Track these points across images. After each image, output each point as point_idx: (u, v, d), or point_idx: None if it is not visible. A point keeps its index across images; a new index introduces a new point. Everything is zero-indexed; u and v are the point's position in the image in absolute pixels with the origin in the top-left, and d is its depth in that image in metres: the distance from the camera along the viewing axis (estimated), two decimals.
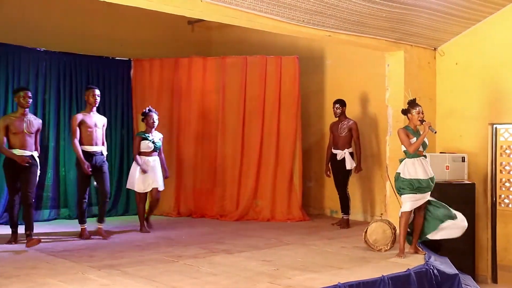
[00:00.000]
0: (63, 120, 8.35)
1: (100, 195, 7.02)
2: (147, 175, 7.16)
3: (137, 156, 7.20)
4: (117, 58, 9.09)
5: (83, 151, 6.70)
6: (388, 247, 6.05)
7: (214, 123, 8.78)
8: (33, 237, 6.19)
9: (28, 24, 8.19)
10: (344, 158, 7.63)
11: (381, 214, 7.91)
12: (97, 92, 6.82)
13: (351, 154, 7.68)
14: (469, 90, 7.27)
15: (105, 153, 6.93)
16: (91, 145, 6.74)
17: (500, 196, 7.09)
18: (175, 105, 8.94)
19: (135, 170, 7.21)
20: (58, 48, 8.41)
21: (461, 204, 6.59)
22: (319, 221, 8.34)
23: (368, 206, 8.42)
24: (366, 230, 6.18)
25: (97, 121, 6.88)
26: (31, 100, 6.38)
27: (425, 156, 5.82)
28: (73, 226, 7.69)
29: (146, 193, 7.29)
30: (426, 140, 5.78)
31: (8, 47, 7.83)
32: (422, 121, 5.74)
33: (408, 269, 5.16)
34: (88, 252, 5.88)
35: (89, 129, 6.72)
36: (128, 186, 7.41)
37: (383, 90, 7.42)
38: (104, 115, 8.73)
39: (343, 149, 7.67)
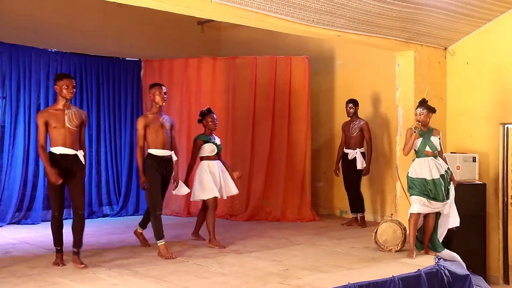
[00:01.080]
0: None
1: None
2: (216, 180, 6.31)
3: (204, 162, 6.32)
4: (127, 59, 9.14)
5: (151, 155, 5.80)
6: (399, 248, 6.02)
7: (224, 122, 8.77)
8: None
9: (39, 25, 8.24)
10: (355, 158, 7.63)
11: (391, 214, 7.88)
12: (165, 89, 5.95)
13: (362, 154, 7.67)
14: (480, 90, 7.23)
15: (174, 158, 5.96)
16: (159, 148, 5.81)
17: (511, 196, 7.04)
18: (185, 105, 8.96)
19: (203, 177, 6.22)
20: (68, 49, 8.47)
21: (472, 204, 6.56)
22: (328, 221, 8.32)
23: (378, 207, 8.39)
24: (376, 231, 6.16)
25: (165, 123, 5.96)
26: (74, 91, 5.32)
27: (435, 156, 5.77)
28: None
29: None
30: (434, 141, 5.73)
31: (20, 48, 7.89)
32: (417, 121, 5.76)
33: (419, 269, 5.14)
34: (99, 252, 5.91)
35: (157, 131, 5.82)
36: (201, 197, 6.25)
37: (393, 90, 7.40)
38: (114, 116, 8.88)
39: (354, 149, 7.67)
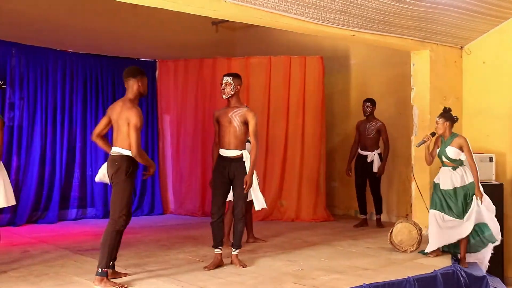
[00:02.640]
0: (90, 121, 8.47)
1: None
2: None
3: None
4: (142, 59, 9.19)
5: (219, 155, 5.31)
6: (414, 248, 5.99)
7: None
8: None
9: (55, 27, 8.32)
10: (373, 161, 7.60)
11: (407, 214, 7.84)
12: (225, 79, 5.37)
13: (379, 155, 7.65)
14: (496, 89, 7.15)
15: (245, 156, 5.23)
16: (223, 147, 5.27)
17: None
18: (200, 106, 8.99)
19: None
20: (84, 50, 8.55)
21: None
22: (343, 221, 8.30)
23: (393, 207, 8.34)
24: (392, 231, 6.13)
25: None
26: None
27: (453, 167, 5.68)
28: (99, 225, 7.81)
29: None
30: (449, 151, 5.65)
31: (37, 49, 7.98)
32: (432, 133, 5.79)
33: (435, 270, 5.11)
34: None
35: (223, 127, 5.26)
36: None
37: (408, 89, 7.35)
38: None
39: (372, 151, 7.63)
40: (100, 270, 4.48)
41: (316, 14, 5.76)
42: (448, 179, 5.66)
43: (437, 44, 7.12)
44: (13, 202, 5.04)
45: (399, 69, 7.99)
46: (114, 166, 4.57)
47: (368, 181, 7.78)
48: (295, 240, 6.72)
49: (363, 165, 7.70)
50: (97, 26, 8.72)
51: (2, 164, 5.04)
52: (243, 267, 5.21)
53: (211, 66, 8.97)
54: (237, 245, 5.31)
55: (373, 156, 7.61)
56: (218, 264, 5.20)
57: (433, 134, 5.77)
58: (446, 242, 5.73)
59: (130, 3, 5.02)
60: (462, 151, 5.66)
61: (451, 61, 7.34)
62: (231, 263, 5.29)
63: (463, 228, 5.63)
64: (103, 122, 4.81)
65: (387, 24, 6.34)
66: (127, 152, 4.54)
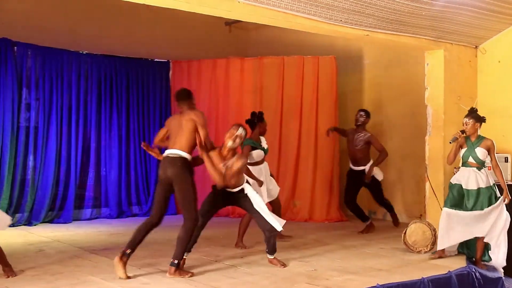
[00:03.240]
0: (104, 121, 8.55)
1: None
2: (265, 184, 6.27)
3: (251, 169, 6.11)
4: (156, 60, 9.25)
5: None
6: (428, 249, 5.96)
7: None
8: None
9: (70, 28, 8.40)
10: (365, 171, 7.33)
11: (420, 215, 7.79)
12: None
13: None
14: None
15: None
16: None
17: None
18: (213, 106, 9.01)
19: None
20: (99, 51, 8.62)
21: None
22: (357, 222, 8.25)
23: (407, 207, 8.29)
24: (405, 231, 6.10)
25: None
26: None
27: (478, 168, 5.64)
28: (114, 225, 7.88)
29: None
30: (478, 153, 5.61)
31: (52, 51, 8.07)
32: (462, 131, 5.68)
33: (449, 271, 5.07)
34: None
35: None
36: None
37: (422, 89, 7.30)
38: (143, 116, 8.99)
39: (365, 165, 7.31)
40: (176, 261, 4.86)
41: (329, 14, 5.75)
42: (473, 179, 5.60)
43: (452, 43, 7.06)
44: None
45: (413, 69, 7.94)
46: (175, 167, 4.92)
47: (370, 192, 7.60)
48: (308, 240, 6.72)
49: (357, 178, 7.41)
50: (111, 27, 8.79)
51: None
52: (284, 267, 5.31)
53: (224, 66, 9.00)
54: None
55: (367, 169, 7.31)
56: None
57: (463, 132, 5.68)
58: (457, 241, 5.67)
59: (143, 4, 5.05)
60: (488, 153, 5.63)
61: (466, 60, 7.28)
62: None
63: (479, 228, 5.58)
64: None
65: (401, 24, 6.31)
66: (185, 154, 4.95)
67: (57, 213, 8.01)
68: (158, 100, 9.15)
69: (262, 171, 6.32)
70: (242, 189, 5.33)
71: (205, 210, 5.35)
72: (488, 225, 5.57)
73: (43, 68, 7.98)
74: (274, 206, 6.59)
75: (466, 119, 5.71)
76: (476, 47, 7.38)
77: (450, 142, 5.70)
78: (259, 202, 5.33)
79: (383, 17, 6.08)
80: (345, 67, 8.83)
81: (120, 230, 7.44)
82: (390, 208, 7.74)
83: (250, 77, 8.87)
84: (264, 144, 6.48)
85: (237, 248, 6.21)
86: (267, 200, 6.20)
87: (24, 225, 7.58)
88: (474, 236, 5.63)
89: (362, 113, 7.44)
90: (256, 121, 6.41)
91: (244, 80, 8.93)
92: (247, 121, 6.41)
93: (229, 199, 5.41)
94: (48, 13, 8.25)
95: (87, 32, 8.54)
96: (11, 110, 7.60)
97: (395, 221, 7.70)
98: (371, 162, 7.39)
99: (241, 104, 8.91)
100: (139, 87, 8.96)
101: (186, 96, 5.17)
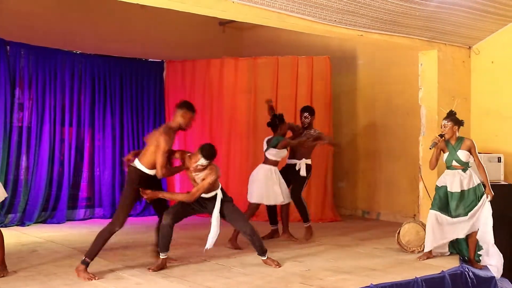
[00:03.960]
0: (98, 121, 8.52)
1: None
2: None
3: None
4: (150, 60, 9.23)
5: None
6: (422, 249, 5.96)
7: (245, 123, 8.80)
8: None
9: (63, 27, 8.37)
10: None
11: (414, 215, 7.81)
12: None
13: (307, 165, 6.79)
14: (505, 89, 7.12)
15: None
16: None
17: None
18: (207, 106, 9.00)
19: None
20: (93, 50, 8.58)
21: (497, 205, 6.44)
22: (350, 222, 8.29)
23: (401, 207, 8.32)
24: (399, 231, 6.11)
25: None
26: None
27: (463, 169, 5.64)
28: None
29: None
30: (461, 155, 5.60)
31: (45, 50, 8.03)
32: (440, 135, 5.66)
33: (443, 271, 5.09)
34: (122, 251, 5.97)
35: None
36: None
37: (416, 90, 7.33)
38: (137, 117, 8.97)
39: (300, 159, 6.77)
40: (88, 260, 4.88)
41: (323, 14, 5.76)
42: (458, 181, 5.62)
43: (445, 44, 7.09)
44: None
45: (407, 69, 7.96)
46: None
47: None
48: (302, 240, 6.71)
49: (291, 173, 6.79)
50: (105, 27, 8.76)
51: None
52: (278, 266, 5.31)
53: (219, 66, 8.99)
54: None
55: (300, 164, 6.77)
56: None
57: (441, 135, 5.69)
58: (444, 240, 5.69)
59: (138, 4, 5.04)
60: (470, 154, 5.64)
61: (459, 61, 7.31)
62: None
63: (465, 228, 5.60)
64: None
65: (395, 24, 6.33)
66: (142, 168, 5.02)
67: (50, 214, 7.98)
68: (152, 100, 9.12)
69: (277, 171, 6.50)
70: (215, 196, 5.30)
71: (176, 209, 5.28)
72: (471, 222, 5.60)
73: (36, 68, 7.94)
74: (283, 209, 6.71)
75: (445, 122, 5.69)
76: (470, 47, 7.41)
77: (430, 148, 5.70)
78: (217, 215, 5.31)
79: (377, 18, 6.09)
80: (339, 68, 8.85)
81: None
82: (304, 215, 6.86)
83: (244, 77, 8.86)
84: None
85: (228, 247, 6.20)
86: (286, 200, 6.48)
87: (17, 225, 7.54)
88: (460, 236, 5.66)
89: (305, 113, 6.90)
90: (278, 123, 6.55)
91: (238, 80, 8.92)
92: (269, 124, 6.61)
93: (201, 204, 5.36)
94: (42, 12, 8.21)
95: (81, 31, 8.51)
96: (4, 110, 7.56)
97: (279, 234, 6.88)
98: (309, 161, 6.85)
99: (235, 104, 8.90)
100: (133, 87, 8.93)
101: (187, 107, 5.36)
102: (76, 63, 8.38)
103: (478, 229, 5.65)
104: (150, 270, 5.06)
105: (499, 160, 6.84)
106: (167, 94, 9.24)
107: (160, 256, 5.18)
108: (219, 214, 5.31)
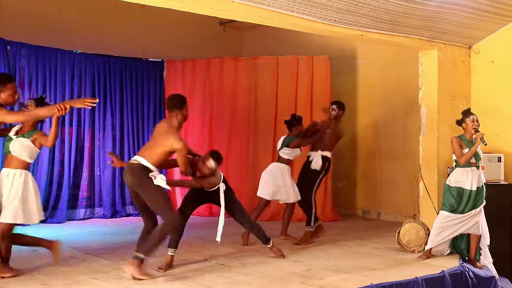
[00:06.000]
0: (98, 121, 8.52)
1: None
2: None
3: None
4: (150, 60, 9.23)
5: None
6: (422, 248, 5.97)
7: (246, 123, 8.81)
8: None
9: (64, 27, 8.37)
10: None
11: (414, 214, 7.82)
12: None
13: (323, 157, 6.68)
14: (505, 89, 7.12)
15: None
16: None
17: None
18: (207, 105, 9.00)
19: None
20: (93, 50, 8.58)
21: (497, 205, 6.46)
22: (350, 221, 8.29)
23: (401, 207, 8.32)
24: (399, 231, 6.11)
25: None
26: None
27: (477, 167, 5.65)
28: (107, 225, 7.86)
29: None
30: (480, 151, 5.63)
31: (46, 50, 8.04)
32: (476, 130, 5.61)
33: (443, 270, 5.09)
34: (122, 251, 5.97)
35: None
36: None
37: (416, 89, 7.33)
38: (137, 116, 8.97)
39: (316, 150, 6.69)
40: (142, 256, 4.71)
41: (323, 14, 5.75)
42: (475, 179, 5.60)
43: (445, 43, 7.09)
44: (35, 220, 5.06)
45: (407, 69, 7.96)
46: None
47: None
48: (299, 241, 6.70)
49: (306, 164, 6.78)
50: (105, 26, 8.76)
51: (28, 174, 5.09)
52: (283, 257, 5.55)
53: (219, 66, 8.99)
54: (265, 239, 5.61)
55: (314, 155, 6.69)
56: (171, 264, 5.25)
57: (476, 130, 5.64)
58: (446, 238, 5.69)
59: (138, 4, 5.04)
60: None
61: (459, 60, 7.31)
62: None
63: (468, 226, 5.63)
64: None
65: (395, 24, 6.33)
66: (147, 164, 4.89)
67: (50, 213, 7.97)
68: (152, 100, 9.13)
69: (289, 170, 6.61)
70: (218, 189, 5.41)
71: (186, 204, 5.44)
72: (479, 224, 5.62)
73: (36, 68, 7.93)
74: (287, 209, 6.78)
75: (475, 117, 5.70)
76: (470, 47, 7.41)
77: (485, 144, 5.57)
78: (223, 206, 5.42)
79: (377, 17, 6.09)
80: (339, 67, 8.85)
81: (114, 230, 7.44)
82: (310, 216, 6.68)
83: (245, 77, 8.87)
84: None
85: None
86: (294, 199, 6.58)
87: (18, 225, 7.51)
88: (461, 232, 5.68)
89: (334, 106, 6.86)
90: (294, 122, 6.63)
91: (238, 80, 8.93)
92: (286, 122, 6.71)
93: (206, 195, 5.46)
94: (42, 12, 8.21)
95: (81, 31, 8.51)
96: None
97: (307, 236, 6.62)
98: (326, 153, 6.76)
99: (235, 104, 8.91)
100: (133, 87, 8.93)
101: (178, 105, 5.09)
102: (76, 62, 8.38)
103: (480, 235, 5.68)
104: (161, 270, 5.05)
105: (499, 160, 6.84)
106: (167, 94, 9.22)
107: (168, 253, 5.23)
108: (224, 205, 5.41)
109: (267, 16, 5.44)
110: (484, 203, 5.69)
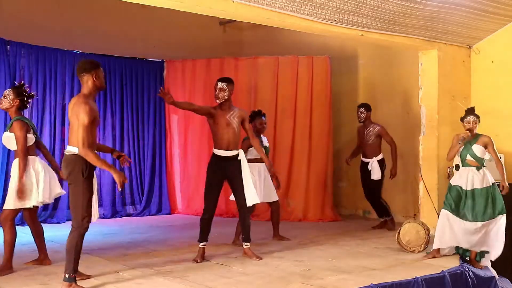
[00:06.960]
0: None
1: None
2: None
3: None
4: (150, 59, 9.23)
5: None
6: (422, 248, 5.97)
7: None
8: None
9: (63, 27, 8.37)
10: (372, 169, 7.33)
11: (414, 214, 7.82)
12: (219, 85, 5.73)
13: (379, 162, 7.34)
14: (505, 89, 7.12)
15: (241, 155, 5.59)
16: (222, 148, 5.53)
17: None
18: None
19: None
20: (93, 50, 8.59)
21: None
22: (351, 221, 8.29)
23: (401, 207, 8.32)
24: (399, 231, 6.11)
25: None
26: None
27: (477, 168, 5.63)
28: (107, 225, 7.86)
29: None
30: (475, 150, 5.61)
31: (46, 50, 8.05)
32: (469, 130, 5.62)
33: (443, 270, 5.09)
34: (123, 251, 5.98)
35: (221, 129, 5.54)
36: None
37: (416, 89, 7.33)
38: (137, 116, 8.98)
39: (371, 157, 7.35)
40: (68, 276, 4.37)
41: (324, 13, 5.75)
42: (470, 179, 5.60)
43: (445, 43, 7.09)
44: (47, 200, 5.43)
45: (407, 69, 7.96)
46: (68, 166, 4.34)
47: (367, 187, 7.54)
48: (302, 240, 6.72)
49: (365, 172, 7.44)
50: (105, 27, 8.77)
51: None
52: (259, 259, 5.51)
53: (219, 66, 8.99)
54: (247, 238, 5.64)
55: (371, 164, 7.32)
56: (204, 255, 5.51)
57: (470, 130, 5.65)
58: (453, 244, 5.67)
59: (138, 4, 5.04)
60: (487, 150, 5.64)
61: (459, 60, 7.31)
62: (244, 255, 5.62)
63: (475, 240, 5.56)
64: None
65: (395, 24, 6.33)
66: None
67: (50, 213, 7.98)
68: (152, 99, 9.13)
69: (261, 169, 6.42)
70: (237, 155, 5.46)
71: (215, 199, 5.52)
72: (486, 238, 5.58)
73: (36, 68, 7.95)
74: (273, 208, 6.68)
75: (473, 118, 5.69)
76: (470, 47, 7.41)
77: (460, 143, 5.62)
78: (248, 174, 5.47)
79: (377, 17, 6.09)
80: (339, 67, 8.85)
81: (114, 230, 7.44)
82: (379, 211, 7.51)
83: (245, 77, 8.87)
84: (265, 142, 6.58)
85: (234, 245, 6.25)
86: (262, 200, 6.24)
87: (17, 225, 7.45)
88: (470, 247, 5.61)
89: (362, 109, 7.46)
90: (251, 119, 6.42)
91: (238, 80, 8.88)
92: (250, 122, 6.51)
93: (223, 169, 5.44)
94: (42, 12, 8.22)
95: (81, 31, 8.51)
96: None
97: (390, 225, 7.38)
98: (379, 156, 7.37)
99: (235, 104, 8.79)
100: (133, 87, 8.94)
101: (86, 68, 4.53)
102: (76, 62, 8.32)
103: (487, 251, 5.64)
104: (196, 262, 5.35)
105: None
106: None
107: (200, 246, 5.47)
108: (249, 173, 5.47)
109: (267, 16, 5.45)
110: (502, 215, 5.60)
